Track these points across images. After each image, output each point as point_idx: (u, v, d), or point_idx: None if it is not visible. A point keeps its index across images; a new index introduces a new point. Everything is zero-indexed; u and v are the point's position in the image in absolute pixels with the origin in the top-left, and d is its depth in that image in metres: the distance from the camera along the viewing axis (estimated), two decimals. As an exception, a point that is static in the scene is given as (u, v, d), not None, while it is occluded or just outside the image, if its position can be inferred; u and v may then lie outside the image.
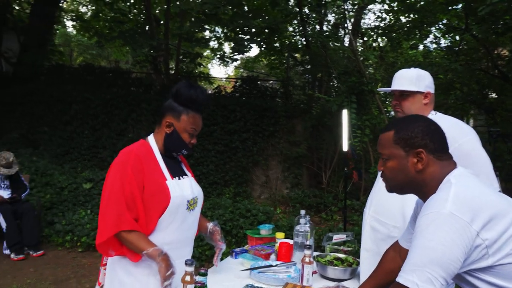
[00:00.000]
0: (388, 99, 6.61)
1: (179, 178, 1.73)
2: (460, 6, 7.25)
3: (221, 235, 1.99)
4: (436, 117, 1.93)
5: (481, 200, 1.14)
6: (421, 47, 9.43)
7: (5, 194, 4.91)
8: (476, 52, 7.53)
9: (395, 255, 1.52)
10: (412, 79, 1.95)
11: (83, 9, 14.88)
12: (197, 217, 1.83)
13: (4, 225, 4.64)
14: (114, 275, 1.67)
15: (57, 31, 12.12)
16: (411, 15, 8.51)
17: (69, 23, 15.03)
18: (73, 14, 13.26)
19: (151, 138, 1.75)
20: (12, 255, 4.59)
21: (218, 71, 39.18)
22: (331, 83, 7.84)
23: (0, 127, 8.19)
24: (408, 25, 8.05)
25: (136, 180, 1.58)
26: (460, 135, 1.79)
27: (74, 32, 14.49)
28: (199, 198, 1.82)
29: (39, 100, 8.05)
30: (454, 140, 1.75)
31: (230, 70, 19.02)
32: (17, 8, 10.40)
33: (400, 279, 1.12)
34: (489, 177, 1.78)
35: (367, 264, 1.94)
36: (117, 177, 1.58)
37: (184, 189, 1.71)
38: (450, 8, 7.69)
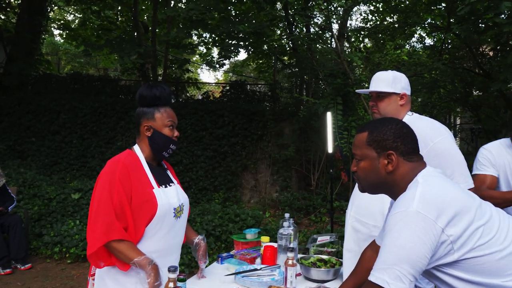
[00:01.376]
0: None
1: (166, 186, 1.75)
2: (443, 5, 7.37)
3: (205, 251, 2.00)
4: (413, 117, 1.97)
5: (446, 197, 1.18)
6: (406, 46, 9.56)
7: (-8, 206, 4.86)
8: (459, 50, 7.64)
9: (373, 254, 1.55)
10: (388, 81, 2.00)
11: (70, 18, 14.85)
12: (183, 224, 1.84)
13: (-9, 239, 4.58)
14: (103, 284, 1.68)
15: (44, 40, 12.05)
16: (396, 16, 8.63)
17: (56, 32, 14.97)
18: (60, 22, 13.22)
19: (136, 147, 1.76)
20: None
21: (208, 76, 39.20)
22: (318, 85, 7.90)
23: (-13, 138, 8.11)
24: (392, 26, 8.15)
25: (124, 189, 1.59)
26: (435, 135, 1.84)
27: (62, 40, 14.44)
28: (185, 206, 1.84)
29: (27, 110, 8.00)
30: (429, 140, 1.80)
31: (219, 74, 19.06)
32: (2, 17, 10.33)
33: (371, 277, 1.15)
34: (463, 175, 1.83)
35: (350, 265, 1.96)
36: (106, 187, 1.59)
37: (171, 197, 1.72)
38: (433, 8, 7.80)
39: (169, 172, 1.87)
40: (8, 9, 10.13)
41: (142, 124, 1.74)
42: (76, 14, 13.65)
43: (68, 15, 14.95)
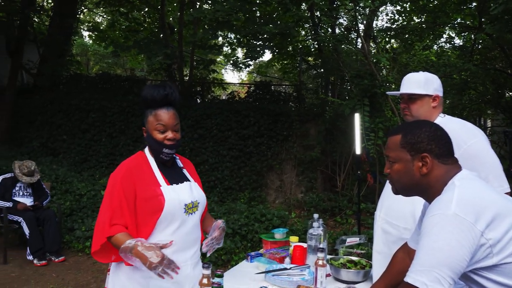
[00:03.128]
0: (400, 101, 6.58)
1: (177, 184, 1.76)
2: (473, 5, 7.20)
3: (221, 235, 1.86)
4: (445, 119, 1.95)
5: (484, 200, 1.17)
6: (434, 47, 9.37)
7: (28, 201, 5.07)
8: (491, 51, 7.44)
9: (404, 256, 1.56)
10: (420, 83, 1.98)
11: (99, 20, 15.25)
12: (197, 221, 1.84)
13: (27, 232, 4.78)
14: (117, 279, 1.73)
15: (75, 42, 12.43)
16: (424, 16, 8.48)
17: (85, 33, 15.39)
18: (90, 24, 13.60)
19: (146, 149, 1.81)
20: (35, 261, 4.73)
21: (232, 76, 39.40)
22: (344, 86, 7.85)
23: (22, 136, 8.44)
24: (420, 26, 8.01)
25: (124, 191, 1.65)
26: (469, 137, 1.81)
27: (91, 42, 14.84)
28: (200, 203, 1.83)
29: (58, 109, 8.28)
30: (463, 142, 1.78)
31: (243, 75, 19.16)
32: (36, 20, 10.71)
33: (408, 279, 1.16)
34: (498, 178, 1.79)
35: (380, 267, 1.96)
36: (108, 190, 1.69)
37: (181, 193, 1.73)
38: (463, 7, 7.63)
39: (185, 171, 1.88)
40: (41, 12, 10.50)
41: (142, 127, 1.79)
42: (105, 16, 14.00)
43: (97, 17, 15.35)
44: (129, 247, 1.52)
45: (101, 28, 12.98)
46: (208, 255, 1.87)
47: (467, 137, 1.81)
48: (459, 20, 8.31)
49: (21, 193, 5.08)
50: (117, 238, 1.60)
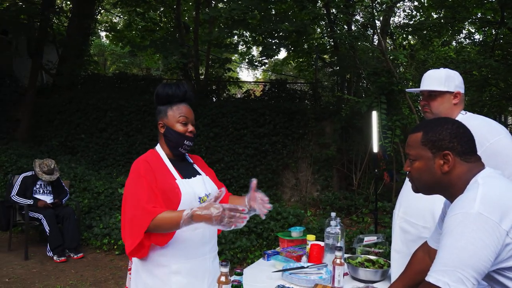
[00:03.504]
0: (419, 98, 6.48)
1: (190, 178, 1.78)
2: (494, -1, 7.03)
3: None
4: (466, 116, 1.91)
5: (509, 199, 1.14)
6: (453, 43, 9.18)
7: (48, 199, 5.17)
8: (513, 46, 7.26)
9: (424, 256, 1.53)
10: (441, 79, 1.94)
11: (116, 20, 15.44)
12: None
13: (47, 229, 4.88)
14: (139, 278, 1.74)
15: (92, 42, 12.62)
16: (442, 11, 8.31)
17: (103, 34, 15.61)
18: (107, 25, 13.78)
19: (158, 147, 1.82)
20: (55, 257, 4.83)
21: (247, 74, 39.43)
22: (360, 84, 7.76)
23: (41, 135, 8.62)
24: (439, 22, 7.85)
25: (149, 178, 1.64)
26: (491, 134, 1.77)
27: (108, 42, 15.05)
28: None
29: (77, 108, 8.42)
30: (485, 139, 1.74)
31: (259, 73, 19.13)
32: (56, 22, 10.92)
33: (430, 278, 1.13)
34: (523, 177, 1.74)
35: (398, 266, 1.94)
36: (133, 179, 1.66)
37: (195, 186, 1.74)
38: (484, 1, 7.45)
39: (195, 166, 1.90)
40: (61, 14, 10.70)
41: (158, 123, 1.80)
42: (122, 16, 14.16)
43: (114, 18, 15.55)
44: (188, 217, 1.51)
45: (118, 28, 13.14)
46: (264, 212, 1.73)
47: (490, 135, 1.77)
48: (479, 14, 8.12)
49: (41, 191, 5.19)
50: (164, 217, 1.55)
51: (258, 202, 1.73)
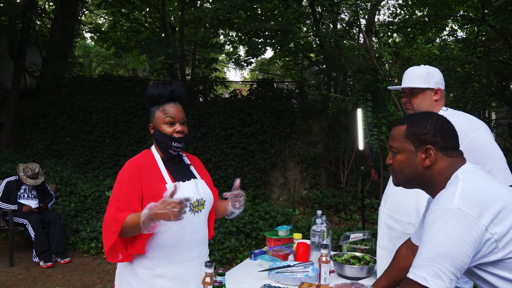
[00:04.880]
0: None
1: (183, 181, 1.75)
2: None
3: (242, 199, 1.87)
4: (447, 113, 1.93)
5: (489, 194, 1.15)
6: (437, 40, 9.30)
7: (33, 204, 5.09)
8: (495, 43, 7.37)
9: (408, 252, 1.54)
10: (422, 76, 1.96)
11: (100, 21, 15.28)
12: (204, 219, 1.82)
13: (33, 234, 4.80)
14: (123, 278, 1.74)
15: (77, 44, 12.46)
16: (426, 9, 8.41)
17: (87, 35, 15.44)
18: (91, 26, 13.62)
19: (152, 147, 1.81)
20: (41, 263, 4.76)
21: (234, 74, 39.39)
22: (346, 82, 7.81)
23: (26, 139, 8.49)
24: (423, 19, 7.95)
25: (133, 186, 1.63)
26: (471, 130, 1.80)
27: (93, 43, 14.88)
28: (207, 201, 1.81)
29: (62, 111, 8.31)
30: (465, 135, 1.76)
31: (245, 73, 19.12)
32: (38, 23, 10.76)
33: (410, 274, 1.14)
34: (502, 171, 1.77)
35: (384, 262, 1.95)
36: (116, 185, 1.67)
37: (186, 191, 1.69)
38: (466, -1, 7.57)
39: (192, 168, 1.87)
40: (43, 15, 10.54)
41: (149, 124, 1.79)
42: (106, 17, 14.02)
43: (98, 19, 15.38)
44: (146, 217, 1.49)
45: (103, 29, 13.00)
46: (235, 212, 1.87)
47: (470, 130, 1.79)
48: (461, 12, 8.24)
49: (26, 196, 5.11)
50: (129, 220, 1.55)
51: (231, 199, 1.83)
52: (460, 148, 1.34)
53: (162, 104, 1.73)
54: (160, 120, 1.72)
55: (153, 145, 1.81)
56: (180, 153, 1.86)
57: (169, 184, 1.68)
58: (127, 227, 1.56)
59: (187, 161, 1.88)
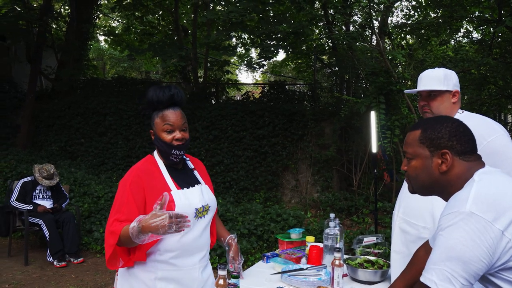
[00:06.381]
0: (418, 98, 6.47)
1: (188, 188, 1.72)
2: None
3: (237, 252, 1.92)
4: (463, 115, 1.90)
5: (506, 196, 1.11)
6: (451, 42, 9.18)
7: (48, 204, 5.16)
8: (511, 44, 7.24)
9: (425, 255, 1.51)
10: (440, 79, 1.93)
11: (114, 24, 15.47)
12: (207, 224, 1.80)
13: (47, 234, 4.87)
14: (125, 279, 1.73)
15: (91, 47, 12.65)
16: (440, 10, 8.32)
17: (101, 38, 15.66)
18: (105, 29, 13.81)
19: (155, 153, 1.77)
20: (55, 262, 4.82)
21: (246, 76, 39.47)
22: (359, 84, 7.76)
23: (41, 140, 8.62)
24: (437, 21, 7.86)
25: (134, 196, 1.61)
26: (488, 133, 1.76)
27: (107, 46, 15.07)
28: (211, 206, 1.79)
29: (76, 113, 8.42)
30: (482, 138, 1.72)
31: (257, 75, 19.16)
32: (54, 27, 10.94)
33: (422, 278, 1.12)
34: (521, 175, 1.73)
35: (398, 266, 1.93)
36: (117, 196, 1.65)
37: (192, 198, 1.69)
38: (481, 0, 7.46)
39: (196, 173, 1.84)
40: (59, 19, 10.72)
41: (150, 130, 1.75)
42: (120, 21, 14.20)
43: (112, 22, 15.58)
44: (135, 230, 1.44)
45: (117, 32, 13.17)
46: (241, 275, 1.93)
47: (487, 133, 1.76)
48: (477, 13, 8.13)
49: (41, 196, 5.18)
50: (124, 232, 1.52)
51: (230, 260, 1.89)
52: (478, 152, 1.32)
53: (161, 110, 1.67)
54: (159, 127, 1.67)
55: (156, 151, 1.77)
56: (184, 156, 1.83)
57: (174, 192, 1.66)
58: (123, 239, 1.54)
59: (191, 165, 1.85)
